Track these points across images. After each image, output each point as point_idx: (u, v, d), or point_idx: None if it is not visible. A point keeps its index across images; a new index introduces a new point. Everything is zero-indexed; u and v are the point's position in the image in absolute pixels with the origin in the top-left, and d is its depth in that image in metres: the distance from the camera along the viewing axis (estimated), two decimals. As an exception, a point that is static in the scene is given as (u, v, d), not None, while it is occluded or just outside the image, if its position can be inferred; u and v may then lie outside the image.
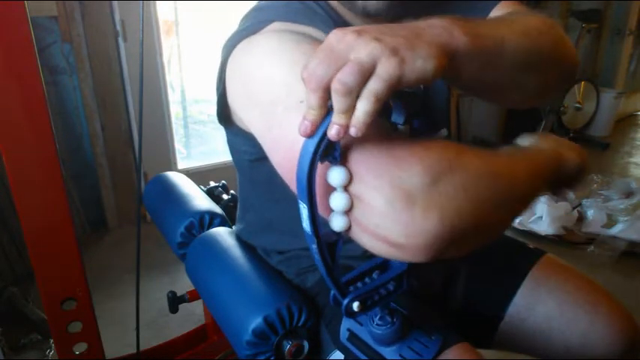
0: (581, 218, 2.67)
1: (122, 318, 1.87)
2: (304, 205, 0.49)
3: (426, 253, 0.48)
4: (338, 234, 0.52)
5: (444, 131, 0.86)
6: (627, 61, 4.42)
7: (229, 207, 1.20)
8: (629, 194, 2.89)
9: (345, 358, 0.74)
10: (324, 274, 0.54)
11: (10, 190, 1.09)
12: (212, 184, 1.32)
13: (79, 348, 1.30)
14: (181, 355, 1.51)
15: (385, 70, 0.44)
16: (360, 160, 0.48)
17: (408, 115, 0.55)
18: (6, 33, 0.99)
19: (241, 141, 0.79)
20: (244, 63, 0.67)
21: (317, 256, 0.52)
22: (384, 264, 0.64)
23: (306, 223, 0.50)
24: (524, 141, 0.70)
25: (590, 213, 2.67)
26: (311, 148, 0.46)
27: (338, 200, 0.49)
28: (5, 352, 1.70)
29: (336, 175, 0.48)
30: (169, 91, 2.73)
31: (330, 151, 0.48)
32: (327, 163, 0.49)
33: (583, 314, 0.88)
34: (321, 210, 0.50)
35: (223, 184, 1.32)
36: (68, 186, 2.36)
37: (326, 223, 0.51)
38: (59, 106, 2.41)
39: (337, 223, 0.50)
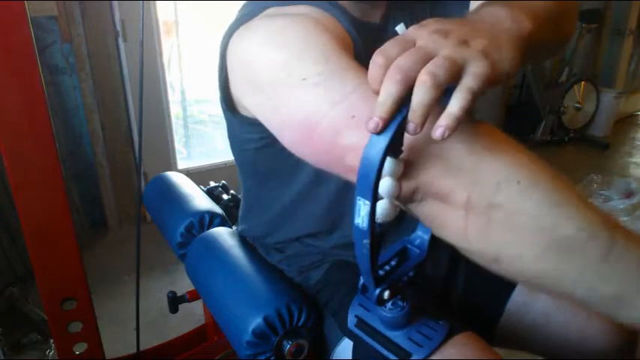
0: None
1: (122, 318, 1.87)
2: (366, 202, 0.48)
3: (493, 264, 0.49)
4: (384, 226, 0.53)
5: None
6: (627, 61, 4.42)
7: (229, 207, 1.20)
8: (629, 194, 2.89)
9: (353, 345, 0.74)
10: (366, 267, 0.54)
11: (10, 190, 1.09)
12: (212, 184, 1.32)
13: (79, 348, 1.30)
14: (181, 355, 1.51)
15: (480, 70, 0.44)
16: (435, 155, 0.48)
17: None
18: (6, 33, 0.99)
19: (246, 129, 0.79)
20: (242, 49, 0.68)
21: (366, 252, 0.51)
22: (404, 251, 0.66)
23: (363, 220, 0.49)
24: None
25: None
26: (382, 145, 0.45)
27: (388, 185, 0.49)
28: (5, 352, 1.71)
29: (393, 166, 0.48)
30: (169, 91, 2.73)
31: (397, 146, 0.47)
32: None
33: (581, 310, 0.88)
34: None
35: (223, 184, 1.32)
36: (68, 186, 2.36)
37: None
38: (59, 106, 2.41)
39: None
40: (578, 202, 0.45)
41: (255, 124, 0.72)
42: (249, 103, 0.71)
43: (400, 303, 0.69)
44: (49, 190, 1.12)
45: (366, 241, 0.51)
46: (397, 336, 0.70)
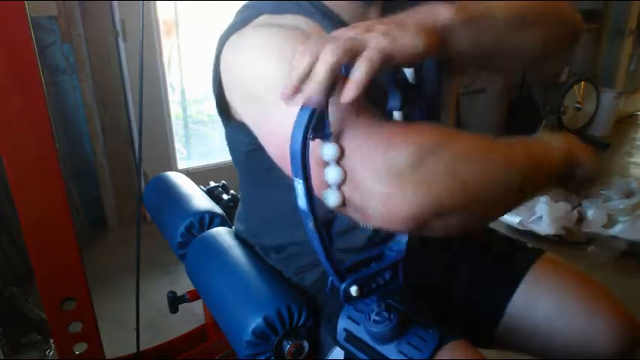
0: (581, 218, 2.67)
1: (122, 318, 1.87)
2: (299, 181, 0.51)
3: (411, 227, 0.51)
4: (332, 212, 0.55)
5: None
6: (627, 61, 4.42)
7: (229, 207, 1.20)
8: (629, 194, 2.88)
9: (345, 355, 0.74)
10: (321, 254, 0.55)
11: (10, 190, 1.09)
12: (212, 184, 1.32)
13: (79, 348, 1.30)
14: (181, 355, 1.51)
15: (377, 43, 0.50)
16: (351, 137, 0.53)
17: (403, 102, 0.59)
18: (6, 33, 0.99)
19: (239, 132, 0.80)
20: (233, 60, 0.71)
21: (314, 235, 0.53)
22: (380, 255, 0.66)
23: (302, 200, 0.52)
24: (536, 137, 0.71)
25: (590, 213, 2.67)
26: (302, 122, 0.50)
27: (332, 173, 0.52)
28: (5, 352, 1.71)
29: (328, 149, 0.52)
30: (169, 91, 2.73)
31: (320, 127, 0.51)
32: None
33: (583, 313, 0.88)
34: (315, 186, 0.53)
35: (223, 184, 1.32)
36: (68, 186, 2.36)
37: (320, 206, 0.54)
38: (59, 106, 2.41)
39: (332, 199, 0.53)
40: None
41: (245, 129, 0.74)
42: (240, 111, 0.73)
43: (386, 315, 0.68)
44: (49, 190, 1.12)
45: (311, 224, 0.53)
46: (387, 350, 0.69)
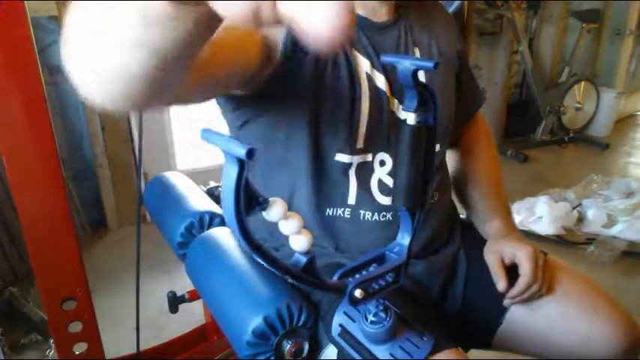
0: (581, 218, 2.67)
1: (122, 318, 1.87)
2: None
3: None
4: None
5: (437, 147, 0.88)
6: (627, 61, 4.42)
7: (229, 207, 1.20)
8: (629, 194, 2.88)
9: (337, 352, 0.74)
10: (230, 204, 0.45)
11: (10, 190, 1.09)
12: (212, 184, 1.31)
13: (79, 348, 1.30)
14: (181, 355, 1.51)
15: None
16: None
17: (419, 104, 0.58)
18: (6, 33, 0.99)
19: (229, 107, 0.82)
20: None
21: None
22: (381, 257, 0.66)
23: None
24: None
25: (590, 213, 2.67)
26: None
27: None
28: (5, 352, 1.70)
29: None
30: (169, 91, 2.72)
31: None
32: None
33: (584, 317, 0.88)
34: None
35: (223, 184, 1.32)
36: (68, 186, 2.36)
37: None
38: (59, 106, 2.41)
39: None
40: None
41: (234, 100, 0.77)
42: None
43: (383, 316, 0.68)
44: (49, 190, 1.12)
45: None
46: (379, 351, 0.69)
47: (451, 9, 2.85)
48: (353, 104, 0.78)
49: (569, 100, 3.98)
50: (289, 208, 0.49)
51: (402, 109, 0.58)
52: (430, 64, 0.53)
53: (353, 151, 0.80)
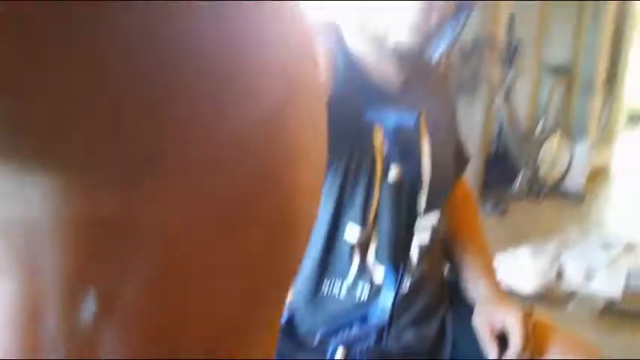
0: (560, 272, 2.66)
1: None
2: None
3: None
4: None
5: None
6: (598, 113, 4.55)
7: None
8: (606, 247, 2.90)
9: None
10: None
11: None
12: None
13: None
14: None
15: None
16: None
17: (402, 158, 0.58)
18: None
19: None
20: None
21: None
22: (364, 317, 0.64)
23: None
24: None
25: (568, 267, 2.66)
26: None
27: None
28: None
29: None
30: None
31: None
32: None
33: None
34: None
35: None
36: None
37: None
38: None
39: None
40: None
41: None
42: None
43: None
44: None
45: None
46: None
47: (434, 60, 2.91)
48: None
49: (544, 152, 4.05)
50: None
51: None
52: (411, 122, 0.53)
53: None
